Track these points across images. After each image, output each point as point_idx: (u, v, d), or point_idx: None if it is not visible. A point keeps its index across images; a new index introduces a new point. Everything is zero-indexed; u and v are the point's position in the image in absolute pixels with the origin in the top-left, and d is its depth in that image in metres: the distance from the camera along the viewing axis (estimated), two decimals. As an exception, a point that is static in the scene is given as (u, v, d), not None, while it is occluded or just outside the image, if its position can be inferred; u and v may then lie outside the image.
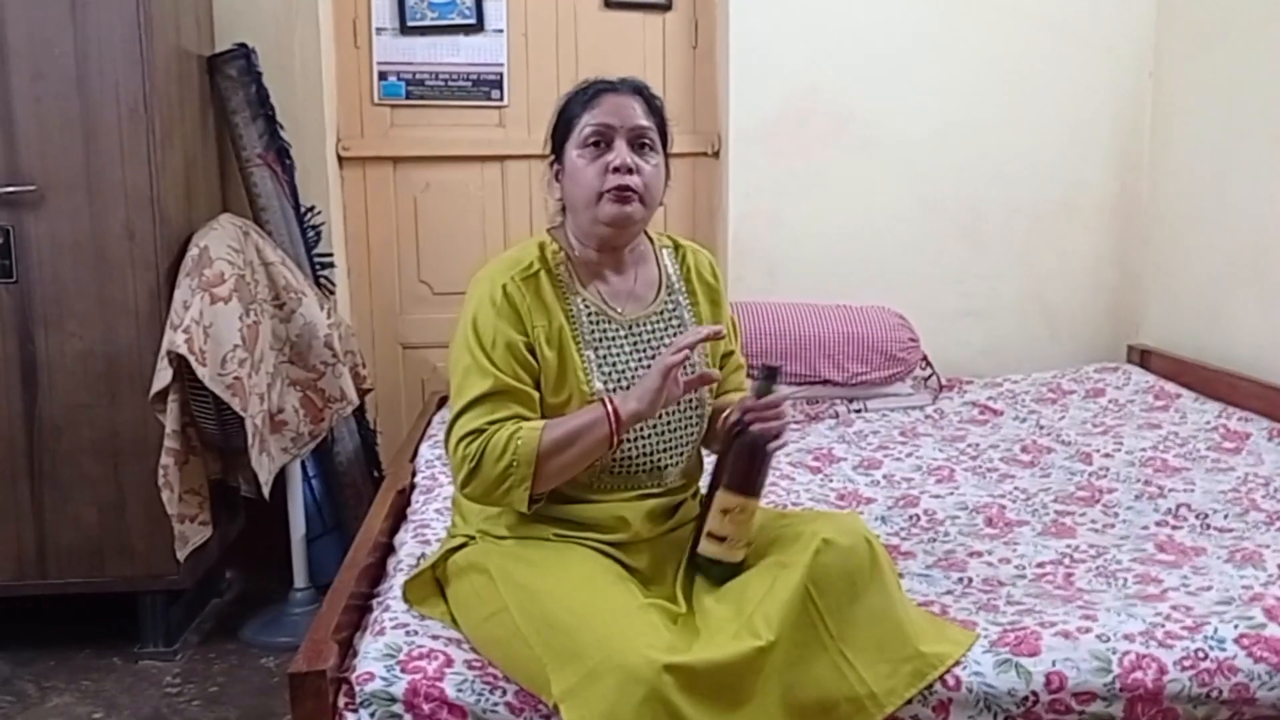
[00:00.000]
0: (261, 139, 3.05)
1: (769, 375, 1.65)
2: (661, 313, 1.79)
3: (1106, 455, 2.63)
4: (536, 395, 1.67)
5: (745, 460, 1.63)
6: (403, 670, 1.55)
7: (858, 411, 3.08)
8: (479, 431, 1.62)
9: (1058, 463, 2.61)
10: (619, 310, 1.75)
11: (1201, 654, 1.62)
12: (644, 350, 1.74)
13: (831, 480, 2.53)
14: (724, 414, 1.75)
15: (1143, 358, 3.42)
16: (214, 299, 2.59)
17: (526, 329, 1.67)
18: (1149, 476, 2.46)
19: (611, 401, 1.62)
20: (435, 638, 1.64)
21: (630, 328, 1.75)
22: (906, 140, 3.41)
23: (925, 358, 3.22)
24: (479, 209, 3.47)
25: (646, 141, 1.71)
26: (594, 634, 1.48)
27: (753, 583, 1.60)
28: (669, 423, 1.74)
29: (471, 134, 3.43)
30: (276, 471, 2.81)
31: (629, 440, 1.69)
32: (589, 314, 1.73)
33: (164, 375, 2.55)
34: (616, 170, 1.66)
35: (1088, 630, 1.66)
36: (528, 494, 1.61)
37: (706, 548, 1.63)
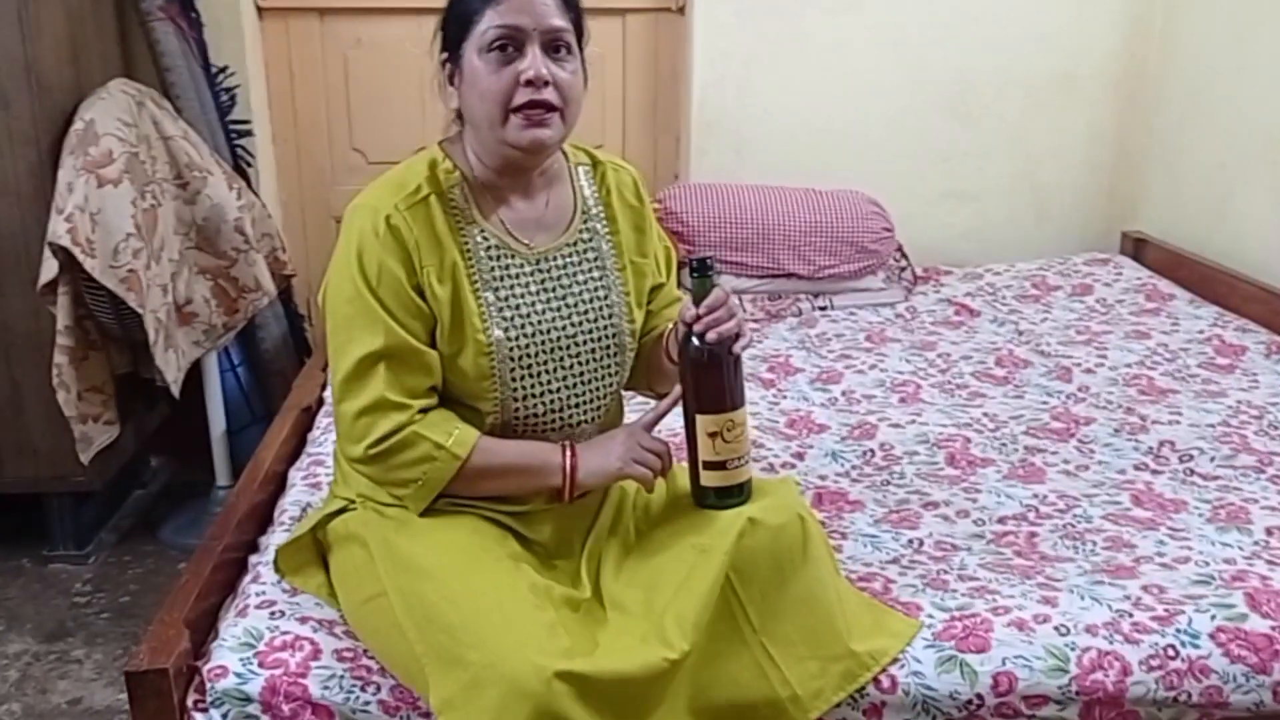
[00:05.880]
0: (163, -11, 2.69)
1: (702, 269, 1.40)
2: (575, 244, 1.52)
3: (1088, 371, 2.41)
4: (437, 357, 1.43)
5: (713, 375, 1.41)
6: (261, 665, 1.37)
7: (822, 309, 2.82)
8: (391, 407, 1.38)
9: (1033, 380, 2.39)
10: (526, 242, 1.49)
11: (1171, 651, 1.45)
12: (553, 290, 1.49)
13: (785, 397, 2.31)
14: (666, 336, 1.52)
15: (1136, 247, 3.16)
16: (101, 181, 2.30)
17: (415, 267, 1.41)
18: (1131, 402, 2.25)
19: (572, 452, 1.45)
20: (304, 620, 1.45)
21: (538, 263, 1.49)
22: (892, 0, 3.05)
23: (900, 249, 2.95)
24: (417, 68, 3.10)
25: (563, 44, 1.41)
26: (478, 634, 1.29)
27: (666, 569, 1.41)
28: (581, 373, 1.50)
29: (408, -18, 3.06)
30: (188, 367, 2.59)
31: (534, 396, 1.47)
32: (488, 248, 1.46)
33: (50, 267, 2.30)
34: (530, 83, 1.38)
35: (1045, 619, 1.48)
36: (424, 504, 1.44)
37: (709, 479, 1.43)
